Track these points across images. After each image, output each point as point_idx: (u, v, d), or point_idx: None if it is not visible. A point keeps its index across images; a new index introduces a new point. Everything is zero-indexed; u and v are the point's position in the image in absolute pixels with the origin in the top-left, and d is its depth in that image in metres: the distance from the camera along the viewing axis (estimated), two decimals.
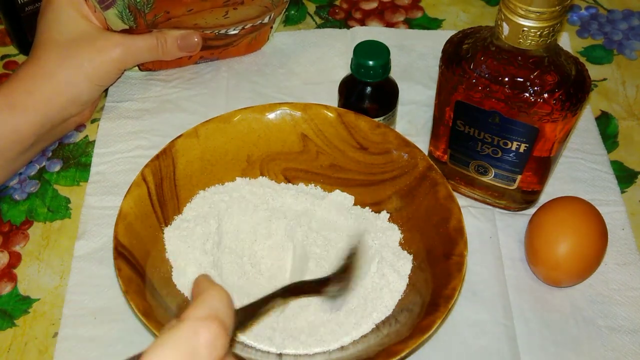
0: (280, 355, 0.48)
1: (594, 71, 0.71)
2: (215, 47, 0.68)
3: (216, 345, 0.31)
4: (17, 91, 0.57)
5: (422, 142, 0.61)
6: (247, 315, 0.43)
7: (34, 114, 0.57)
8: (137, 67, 0.69)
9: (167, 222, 0.54)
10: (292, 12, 0.77)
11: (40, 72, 0.58)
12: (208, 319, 0.32)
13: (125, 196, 0.51)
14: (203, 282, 0.36)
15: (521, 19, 0.47)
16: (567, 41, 0.74)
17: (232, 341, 0.42)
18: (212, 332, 0.31)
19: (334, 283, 0.48)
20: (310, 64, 0.71)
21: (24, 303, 0.54)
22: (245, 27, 0.67)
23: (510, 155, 0.54)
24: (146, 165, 0.54)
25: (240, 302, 0.50)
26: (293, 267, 0.53)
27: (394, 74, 0.60)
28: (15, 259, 0.57)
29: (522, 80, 0.49)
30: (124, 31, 0.62)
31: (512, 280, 0.55)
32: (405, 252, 0.54)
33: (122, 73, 0.65)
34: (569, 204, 0.54)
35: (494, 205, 0.60)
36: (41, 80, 0.58)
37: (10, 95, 0.57)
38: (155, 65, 0.69)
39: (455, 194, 0.53)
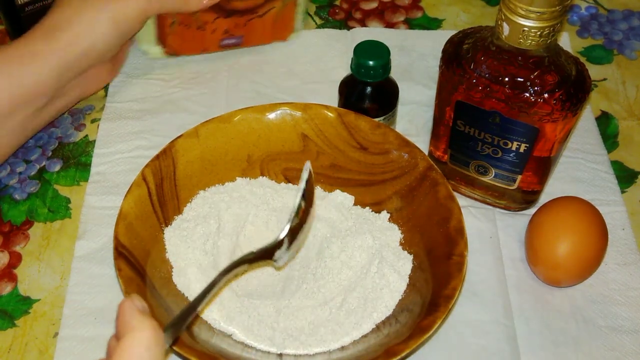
0: (280, 355, 0.48)
1: (594, 71, 0.71)
2: (239, 14, 0.68)
3: (157, 342, 0.31)
4: (38, 39, 0.57)
5: (422, 142, 0.61)
6: (200, 300, 0.43)
7: (55, 61, 0.57)
8: (160, 51, 0.69)
9: (167, 222, 0.54)
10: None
11: (61, 18, 0.58)
12: (142, 317, 0.32)
13: (126, 196, 0.51)
14: (126, 314, 0.35)
15: (521, 19, 0.47)
16: (567, 41, 0.74)
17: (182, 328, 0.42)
18: (152, 329, 0.31)
19: (281, 246, 0.48)
20: (310, 64, 0.71)
21: (25, 303, 0.54)
22: None
23: (511, 155, 0.54)
24: (146, 165, 0.54)
25: (240, 302, 0.50)
26: (293, 264, 0.53)
27: (394, 74, 0.60)
28: (15, 259, 0.57)
29: (522, 80, 0.49)
30: None
31: (512, 280, 0.55)
32: (406, 252, 0.54)
33: (145, 23, 0.64)
34: (569, 204, 0.54)
35: (494, 205, 0.60)
36: (61, 26, 0.58)
37: (32, 43, 0.57)
38: (178, 48, 0.68)
39: (455, 194, 0.53)
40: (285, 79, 0.70)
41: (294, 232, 0.48)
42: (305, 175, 0.48)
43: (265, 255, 0.48)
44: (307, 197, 0.48)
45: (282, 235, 0.47)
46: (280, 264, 0.49)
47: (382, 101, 0.59)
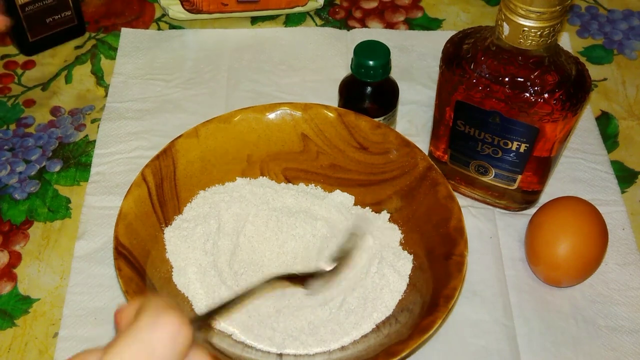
0: (280, 355, 0.48)
1: (594, 71, 0.71)
2: None
3: (177, 337, 0.28)
4: None
5: (422, 142, 0.61)
6: (228, 306, 0.41)
7: None
8: (180, 7, 0.71)
9: (167, 222, 0.54)
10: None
11: None
12: (164, 310, 0.28)
13: (126, 196, 0.51)
14: (129, 308, 0.31)
15: (522, 19, 0.47)
16: (567, 41, 0.74)
17: (206, 327, 0.39)
18: (173, 323, 0.28)
19: (319, 278, 0.48)
20: (310, 61, 0.72)
21: (24, 303, 0.54)
22: None
23: (511, 155, 0.54)
24: (146, 166, 0.54)
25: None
26: (293, 264, 0.53)
27: (394, 74, 0.60)
28: (15, 259, 0.56)
29: (522, 80, 0.49)
30: None
31: (512, 280, 0.55)
32: (406, 252, 0.54)
33: None
34: (569, 204, 0.54)
35: (494, 205, 0.60)
36: None
37: None
38: (198, 2, 0.70)
39: (455, 194, 0.53)
40: (285, 76, 0.70)
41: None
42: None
43: (304, 279, 0.48)
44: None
45: (328, 267, 0.48)
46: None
47: (382, 101, 0.59)
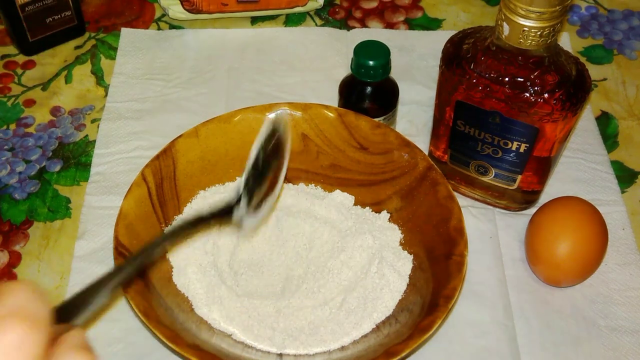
0: (280, 355, 0.48)
1: (594, 71, 0.71)
2: None
3: (24, 345, 0.25)
4: None
5: (422, 142, 0.61)
6: (148, 254, 0.40)
7: None
8: (180, 7, 0.72)
9: (167, 222, 0.54)
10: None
11: None
12: (7, 317, 0.26)
13: (126, 196, 0.51)
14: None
15: (522, 19, 0.47)
16: (567, 41, 0.74)
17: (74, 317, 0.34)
18: (16, 331, 0.25)
19: (236, 206, 0.46)
20: (310, 61, 0.72)
21: None
22: None
23: (511, 155, 0.54)
24: (146, 165, 0.54)
25: (240, 302, 0.50)
26: (293, 264, 0.53)
27: (394, 74, 0.60)
28: (15, 259, 0.56)
29: (522, 80, 0.49)
30: None
31: (513, 280, 0.55)
32: (406, 252, 0.54)
33: None
34: (569, 204, 0.54)
35: (494, 205, 0.60)
36: None
37: None
38: (198, 2, 0.70)
39: (455, 194, 0.53)
40: (285, 75, 0.70)
41: (255, 191, 0.45)
42: (268, 126, 0.45)
43: (221, 214, 0.45)
44: (276, 152, 0.45)
45: (239, 191, 0.45)
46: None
47: (382, 101, 0.59)
